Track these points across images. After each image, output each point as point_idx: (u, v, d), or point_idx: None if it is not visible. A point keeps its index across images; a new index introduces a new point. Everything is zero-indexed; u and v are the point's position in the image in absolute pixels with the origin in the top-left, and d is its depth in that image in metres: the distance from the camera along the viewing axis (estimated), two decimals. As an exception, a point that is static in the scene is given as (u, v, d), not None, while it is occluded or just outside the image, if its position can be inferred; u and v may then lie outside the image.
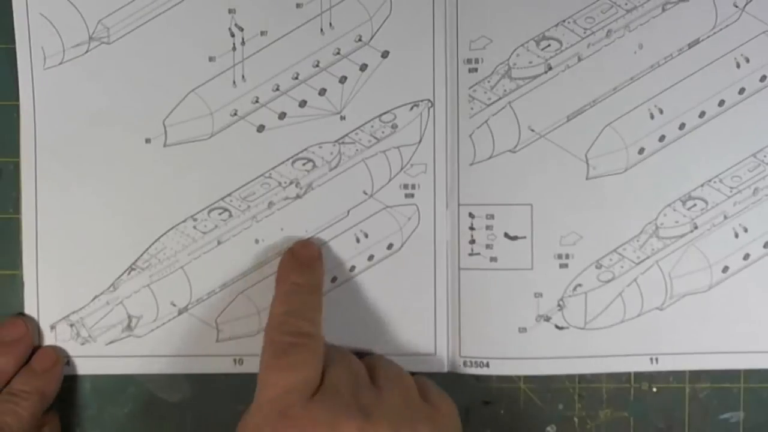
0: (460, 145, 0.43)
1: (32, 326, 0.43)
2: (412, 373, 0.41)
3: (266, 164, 0.43)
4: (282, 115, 0.43)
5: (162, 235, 0.43)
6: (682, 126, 0.44)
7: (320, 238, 0.43)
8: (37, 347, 0.43)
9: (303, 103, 0.43)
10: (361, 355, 0.43)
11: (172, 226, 0.43)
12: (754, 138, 0.44)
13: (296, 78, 0.43)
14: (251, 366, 0.43)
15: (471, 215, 0.43)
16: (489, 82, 0.43)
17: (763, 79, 0.44)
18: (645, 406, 0.44)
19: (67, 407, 0.44)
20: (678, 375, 0.44)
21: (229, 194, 0.43)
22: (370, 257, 0.44)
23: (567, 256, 0.43)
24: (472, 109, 0.43)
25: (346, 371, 0.39)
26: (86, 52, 0.43)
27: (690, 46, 0.43)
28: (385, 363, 0.41)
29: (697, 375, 0.44)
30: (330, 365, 0.39)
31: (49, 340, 0.43)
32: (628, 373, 0.44)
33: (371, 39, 0.43)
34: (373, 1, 0.43)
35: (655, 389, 0.44)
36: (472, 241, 0.43)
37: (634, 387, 0.44)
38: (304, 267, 0.41)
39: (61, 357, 0.43)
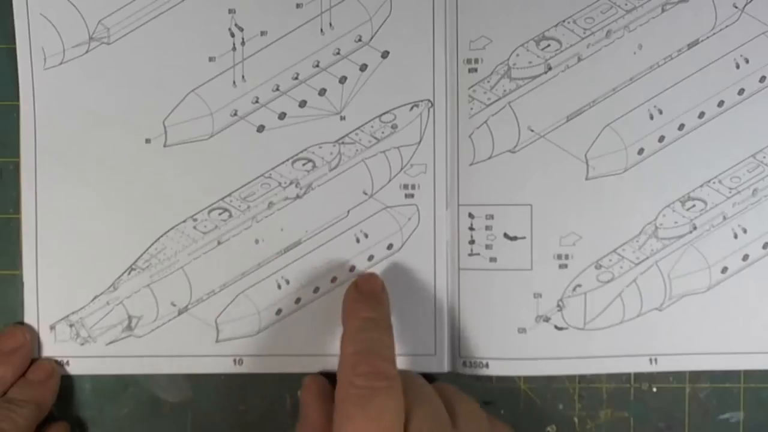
0: (459, 145, 0.43)
1: (31, 336, 0.43)
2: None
3: (266, 164, 0.43)
4: (282, 115, 0.44)
5: (162, 236, 0.43)
6: (681, 126, 0.44)
7: (375, 273, 0.43)
8: (35, 359, 0.43)
9: (303, 103, 0.44)
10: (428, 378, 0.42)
11: (172, 227, 0.43)
12: (753, 139, 0.44)
13: (296, 78, 0.44)
14: (251, 366, 0.43)
15: (471, 215, 0.43)
16: (489, 82, 0.43)
17: (762, 79, 0.44)
18: (645, 406, 0.44)
19: (67, 407, 0.44)
20: (678, 375, 0.44)
21: (229, 194, 0.43)
22: (370, 257, 0.44)
23: (566, 257, 0.43)
24: (471, 109, 0.43)
25: (429, 417, 0.36)
26: (86, 52, 0.43)
27: (689, 46, 0.44)
28: (461, 400, 0.39)
29: (697, 375, 0.44)
30: (412, 409, 0.36)
31: (48, 340, 0.43)
32: (628, 373, 0.44)
33: (371, 39, 0.43)
34: (373, 1, 0.43)
35: (655, 389, 0.44)
36: (472, 242, 0.43)
37: (634, 387, 0.44)
38: (371, 301, 0.40)
39: (57, 369, 0.43)
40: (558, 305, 0.43)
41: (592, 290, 0.43)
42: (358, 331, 0.38)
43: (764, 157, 0.44)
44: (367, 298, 0.40)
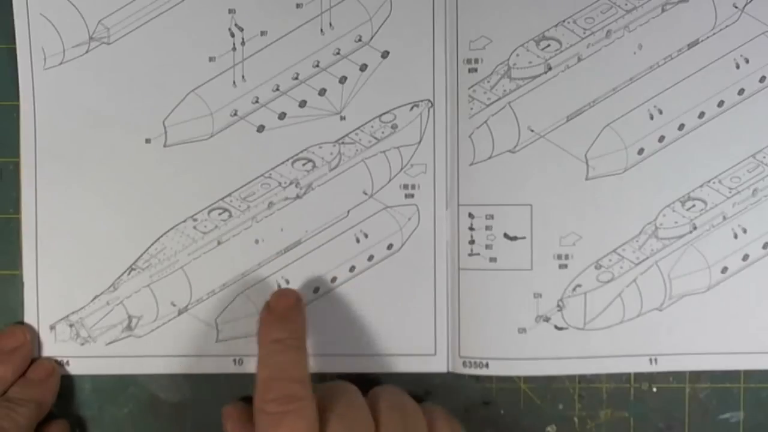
0: (459, 145, 0.43)
1: (31, 336, 0.43)
2: (416, 398, 0.41)
3: (266, 164, 0.43)
4: (282, 115, 0.44)
5: (162, 236, 0.43)
6: (681, 126, 0.44)
7: (298, 293, 0.43)
8: (35, 358, 0.43)
9: (303, 103, 0.44)
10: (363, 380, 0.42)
11: (172, 226, 0.43)
12: (753, 139, 0.44)
13: (296, 78, 0.44)
14: (251, 366, 0.43)
15: (471, 215, 0.43)
16: (489, 82, 0.43)
17: (762, 79, 0.44)
18: (645, 406, 0.44)
19: (67, 407, 0.44)
20: (678, 375, 0.44)
21: (229, 194, 0.43)
22: (370, 257, 0.44)
23: (566, 257, 0.43)
24: (471, 109, 0.43)
25: (343, 430, 0.37)
26: (86, 52, 0.43)
27: (689, 46, 0.44)
28: (387, 407, 0.39)
29: (697, 375, 0.44)
30: (327, 423, 0.37)
31: (49, 340, 0.43)
32: (628, 373, 0.44)
33: (371, 39, 0.43)
34: (373, 1, 0.43)
35: (655, 389, 0.44)
36: (472, 242, 0.43)
37: (634, 387, 0.44)
38: (282, 321, 0.40)
39: (57, 369, 0.43)
40: (558, 305, 0.43)
41: (592, 290, 0.43)
42: (268, 356, 0.39)
43: (764, 157, 0.44)
44: (277, 319, 0.40)
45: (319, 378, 0.43)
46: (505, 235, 0.43)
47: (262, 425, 0.37)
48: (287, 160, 0.44)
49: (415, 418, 0.39)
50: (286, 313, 0.41)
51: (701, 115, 0.44)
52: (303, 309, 0.42)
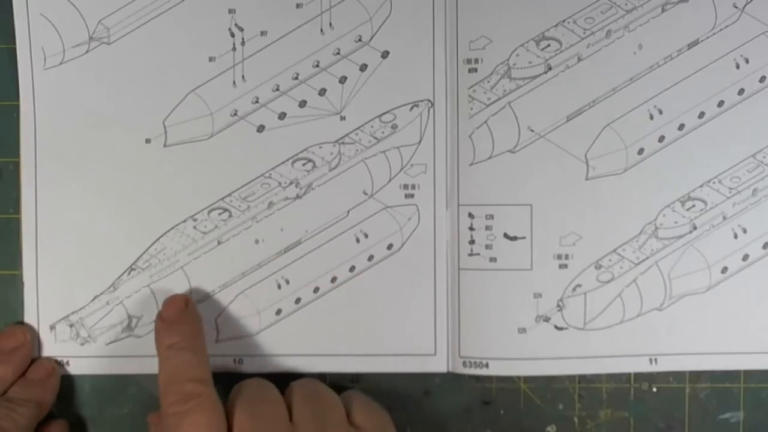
0: (459, 145, 0.43)
1: (31, 336, 0.43)
2: (337, 389, 0.41)
3: (266, 164, 0.43)
4: (282, 115, 0.44)
5: (162, 236, 0.43)
6: (681, 126, 0.44)
7: (189, 298, 0.43)
8: (35, 358, 0.43)
9: (303, 103, 0.44)
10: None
11: (172, 226, 0.43)
12: (753, 139, 0.44)
13: (296, 78, 0.44)
14: (251, 366, 0.43)
15: (471, 215, 0.43)
16: (489, 82, 0.43)
17: (762, 79, 0.44)
18: (645, 406, 0.44)
19: (67, 407, 0.44)
20: (678, 375, 0.44)
21: (229, 194, 0.43)
22: (370, 257, 0.44)
23: (566, 257, 0.43)
24: (471, 109, 0.43)
25: (249, 420, 0.37)
26: (86, 52, 0.43)
27: (689, 46, 0.44)
28: (301, 401, 0.39)
29: (697, 375, 0.44)
30: (234, 413, 0.37)
31: (49, 340, 0.43)
32: (628, 373, 0.44)
33: (371, 39, 0.43)
34: (373, 1, 0.43)
35: (655, 389, 0.44)
36: (472, 242, 0.43)
37: (634, 387, 0.44)
38: (173, 325, 0.41)
39: (57, 369, 0.43)
40: (558, 305, 0.43)
41: (592, 290, 0.43)
42: (163, 362, 0.39)
43: (764, 157, 0.44)
44: (168, 325, 0.41)
45: (319, 378, 0.43)
46: (505, 235, 0.43)
47: (167, 429, 0.37)
48: (287, 160, 0.44)
49: (332, 408, 0.39)
50: (176, 318, 0.41)
51: (701, 115, 0.44)
52: (194, 311, 0.42)
